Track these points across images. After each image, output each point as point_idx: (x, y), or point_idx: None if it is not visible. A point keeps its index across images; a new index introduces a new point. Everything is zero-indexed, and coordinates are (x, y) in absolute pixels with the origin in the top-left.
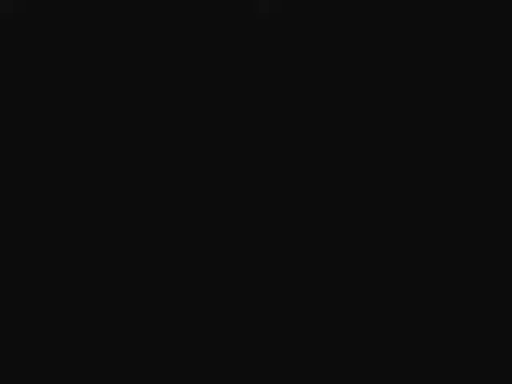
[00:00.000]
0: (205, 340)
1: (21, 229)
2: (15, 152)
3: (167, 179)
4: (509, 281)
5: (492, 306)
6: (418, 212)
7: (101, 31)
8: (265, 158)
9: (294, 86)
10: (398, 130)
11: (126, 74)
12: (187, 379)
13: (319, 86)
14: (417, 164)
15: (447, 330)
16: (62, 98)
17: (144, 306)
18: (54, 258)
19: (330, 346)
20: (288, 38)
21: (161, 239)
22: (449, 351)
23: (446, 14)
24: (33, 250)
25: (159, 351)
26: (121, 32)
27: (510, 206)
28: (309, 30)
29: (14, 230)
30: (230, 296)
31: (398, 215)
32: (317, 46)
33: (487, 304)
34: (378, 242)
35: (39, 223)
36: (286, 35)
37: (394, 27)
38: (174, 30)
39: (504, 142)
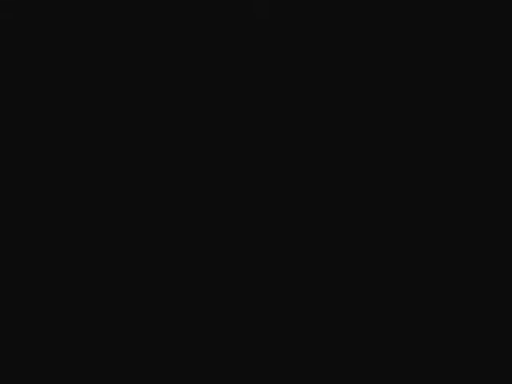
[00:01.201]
0: (205, 340)
1: (21, 229)
2: (15, 152)
3: (166, 179)
4: (509, 281)
5: (492, 306)
6: (418, 212)
7: (99, 34)
8: (262, 157)
9: (289, 87)
10: (393, 131)
11: (126, 75)
12: (187, 379)
13: (314, 88)
14: (417, 164)
15: (447, 329)
16: (61, 100)
17: (144, 306)
18: (54, 258)
19: (330, 346)
20: (280, 42)
21: (161, 239)
22: (449, 351)
23: (443, 13)
24: (33, 249)
25: (159, 351)
26: (121, 35)
27: (510, 206)
28: (301, 34)
29: (14, 229)
30: (230, 296)
31: (398, 215)
32: (309, 50)
33: (487, 304)
34: (377, 241)
35: (39, 223)
36: (279, 40)
37: (390, 31)
38: (172, 32)
39: (504, 142)
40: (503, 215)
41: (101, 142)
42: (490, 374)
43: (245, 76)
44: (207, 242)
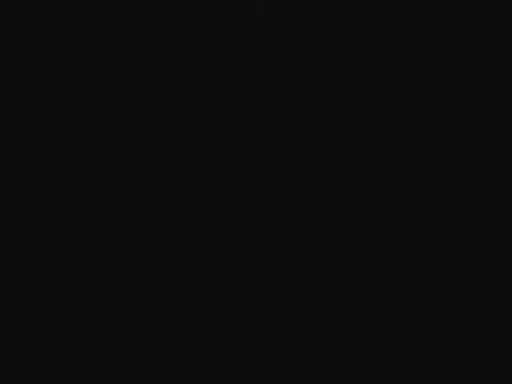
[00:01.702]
0: (205, 340)
1: (21, 229)
2: (15, 152)
3: (166, 179)
4: (509, 281)
5: (492, 306)
6: (418, 212)
7: (100, 34)
8: (262, 157)
9: (288, 87)
10: (393, 131)
11: (126, 75)
12: (187, 379)
13: (314, 87)
14: (417, 164)
15: (447, 330)
16: (61, 100)
17: (144, 306)
18: (54, 258)
19: (330, 346)
20: (280, 42)
21: (161, 239)
22: (449, 351)
23: (443, 13)
24: (33, 250)
25: (159, 351)
26: (121, 35)
27: (510, 206)
28: (301, 34)
29: (14, 230)
30: (230, 296)
31: (398, 215)
32: (309, 49)
33: (487, 304)
34: (377, 242)
35: (39, 223)
36: (279, 40)
37: (390, 30)
38: (173, 32)
39: (504, 142)
40: (503, 215)
41: (101, 142)
42: (490, 374)
43: (245, 76)
44: (207, 242)
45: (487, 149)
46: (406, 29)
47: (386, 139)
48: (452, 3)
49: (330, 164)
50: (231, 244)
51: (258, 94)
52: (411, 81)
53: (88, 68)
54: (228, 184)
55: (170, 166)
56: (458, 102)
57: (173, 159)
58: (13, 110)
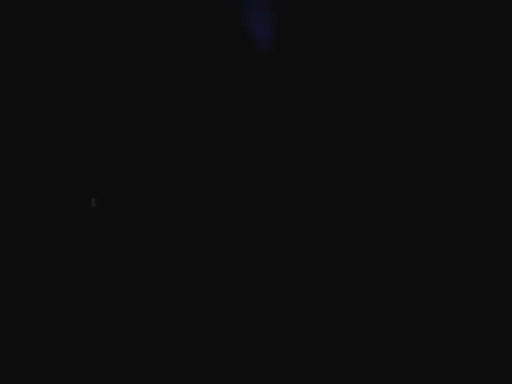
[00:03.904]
0: (205, 340)
1: (21, 229)
2: (15, 152)
3: (165, 179)
4: (509, 281)
5: (492, 306)
6: (418, 212)
7: (100, 36)
8: (262, 157)
9: (289, 89)
10: (395, 143)
11: (126, 75)
12: (187, 379)
13: (314, 90)
14: (417, 164)
15: (447, 330)
16: (61, 100)
17: (144, 307)
18: (54, 258)
19: (330, 346)
20: (285, 71)
21: (161, 239)
22: (449, 351)
23: (442, 14)
24: (33, 250)
25: (159, 351)
26: (121, 35)
27: (510, 206)
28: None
29: (14, 230)
30: (230, 296)
31: (398, 215)
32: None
33: (487, 304)
34: (377, 242)
35: (39, 223)
36: (283, 68)
37: (394, 41)
38: (174, 33)
39: (504, 142)
40: (503, 215)
41: (101, 142)
42: (490, 374)
43: (245, 77)
44: (206, 241)
45: (487, 149)
46: (408, 35)
47: (387, 146)
48: (453, 3)
49: (329, 167)
50: (231, 243)
51: (258, 95)
52: (415, 90)
53: (88, 68)
54: (228, 185)
55: (170, 168)
56: (459, 102)
57: (173, 160)
58: (13, 109)
